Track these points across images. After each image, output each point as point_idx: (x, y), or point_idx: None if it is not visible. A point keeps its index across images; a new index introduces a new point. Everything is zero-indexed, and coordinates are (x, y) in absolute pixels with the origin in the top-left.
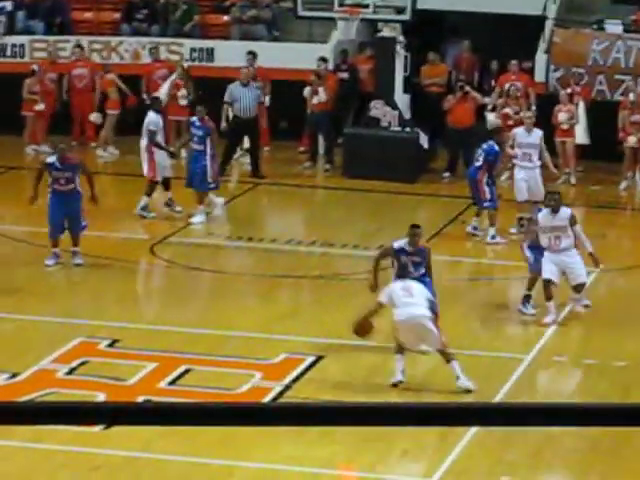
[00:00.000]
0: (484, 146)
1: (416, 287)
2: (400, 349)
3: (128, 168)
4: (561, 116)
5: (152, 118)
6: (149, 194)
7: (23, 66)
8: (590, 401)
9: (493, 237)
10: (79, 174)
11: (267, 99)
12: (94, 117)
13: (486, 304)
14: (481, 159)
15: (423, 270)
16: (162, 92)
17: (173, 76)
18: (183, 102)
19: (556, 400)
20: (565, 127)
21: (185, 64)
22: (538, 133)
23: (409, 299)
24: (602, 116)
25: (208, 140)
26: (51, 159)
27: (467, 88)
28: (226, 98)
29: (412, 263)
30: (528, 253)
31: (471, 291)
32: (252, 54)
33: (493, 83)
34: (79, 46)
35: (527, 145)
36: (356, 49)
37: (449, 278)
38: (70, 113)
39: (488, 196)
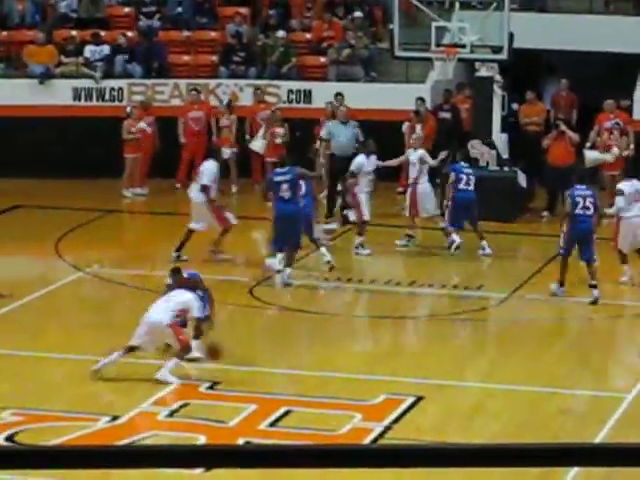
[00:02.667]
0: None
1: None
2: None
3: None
4: None
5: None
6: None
7: (122, 110)
8: None
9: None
10: None
11: None
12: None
13: (585, 343)
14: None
15: None
16: (259, 136)
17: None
18: (278, 141)
19: None
20: None
21: (275, 107)
22: None
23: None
24: None
25: None
26: None
27: (562, 127)
28: (323, 135)
29: None
30: None
31: (570, 330)
32: (340, 95)
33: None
34: (195, 89)
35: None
36: (454, 89)
37: (548, 317)
38: (180, 156)
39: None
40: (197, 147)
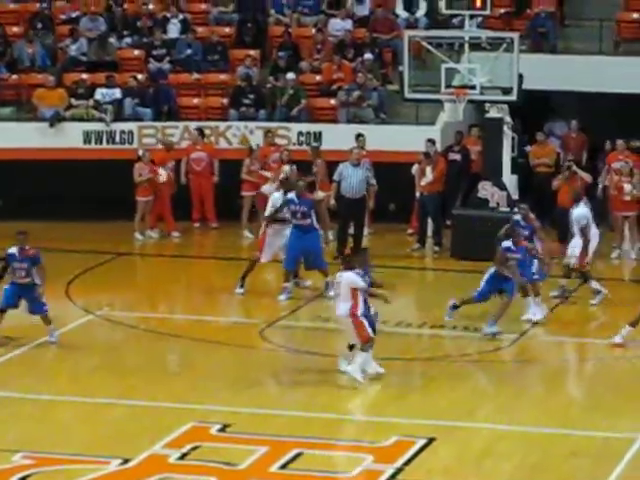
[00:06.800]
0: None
1: (343, 284)
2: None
3: (228, 251)
4: None
5: None
6: None
7: (132, 152)
8: None
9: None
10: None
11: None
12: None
13: (597, 383)
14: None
15: None
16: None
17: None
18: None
19: None
20: None
21: (284, 148)
22: None
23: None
24: None
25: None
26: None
27: (574, 168)
28: (335, 177)
29: None
30: None
31: (581, 371)
32: (361, 136)
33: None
34: (199, 130)
35: None
36: (465, 130)
37: (559, 358)
38: (189, 197)
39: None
40: (202, 187)
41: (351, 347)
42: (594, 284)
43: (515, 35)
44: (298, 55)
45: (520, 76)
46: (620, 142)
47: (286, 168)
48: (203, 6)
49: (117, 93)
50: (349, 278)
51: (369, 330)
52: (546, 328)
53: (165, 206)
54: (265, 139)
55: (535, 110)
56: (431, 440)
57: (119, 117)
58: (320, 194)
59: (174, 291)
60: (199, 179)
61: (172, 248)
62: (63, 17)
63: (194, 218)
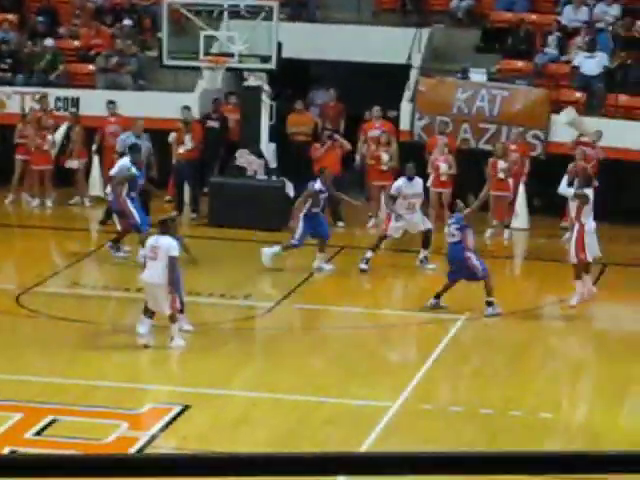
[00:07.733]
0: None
1: (163, 249)
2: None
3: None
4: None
5: None
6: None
7: None
8: (457, 449)
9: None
10: None
11: None
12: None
13: (350, 353)
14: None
15: None
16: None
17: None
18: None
19: (422, 449)
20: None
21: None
22: (420, 181)
23: (151, 262)
24: (466, 164)
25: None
26: None
27: (335, 136)
28: (119, 149)
29: None
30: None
31: (337, 339)
32: (112, 103)
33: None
34: None
35: (412, 195)
36: (223, 98)
37: (316, 326)
38: None
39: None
40: None
41: (148, 311)
42: (370, 254)
43: (274, 3)
44: (57, 20)
45: (279, 44)
46: (376, 109)
47: (64, 127)
48: None
49: None
50: (168, 244)
51: (178, 302)
52: (302, 296)
53: None
54: (39, 104)
55: (296, 79)
56: (186, 407)
57: None
58: (75, 162)
59: None
60: None
61: None
62: None
63: None
